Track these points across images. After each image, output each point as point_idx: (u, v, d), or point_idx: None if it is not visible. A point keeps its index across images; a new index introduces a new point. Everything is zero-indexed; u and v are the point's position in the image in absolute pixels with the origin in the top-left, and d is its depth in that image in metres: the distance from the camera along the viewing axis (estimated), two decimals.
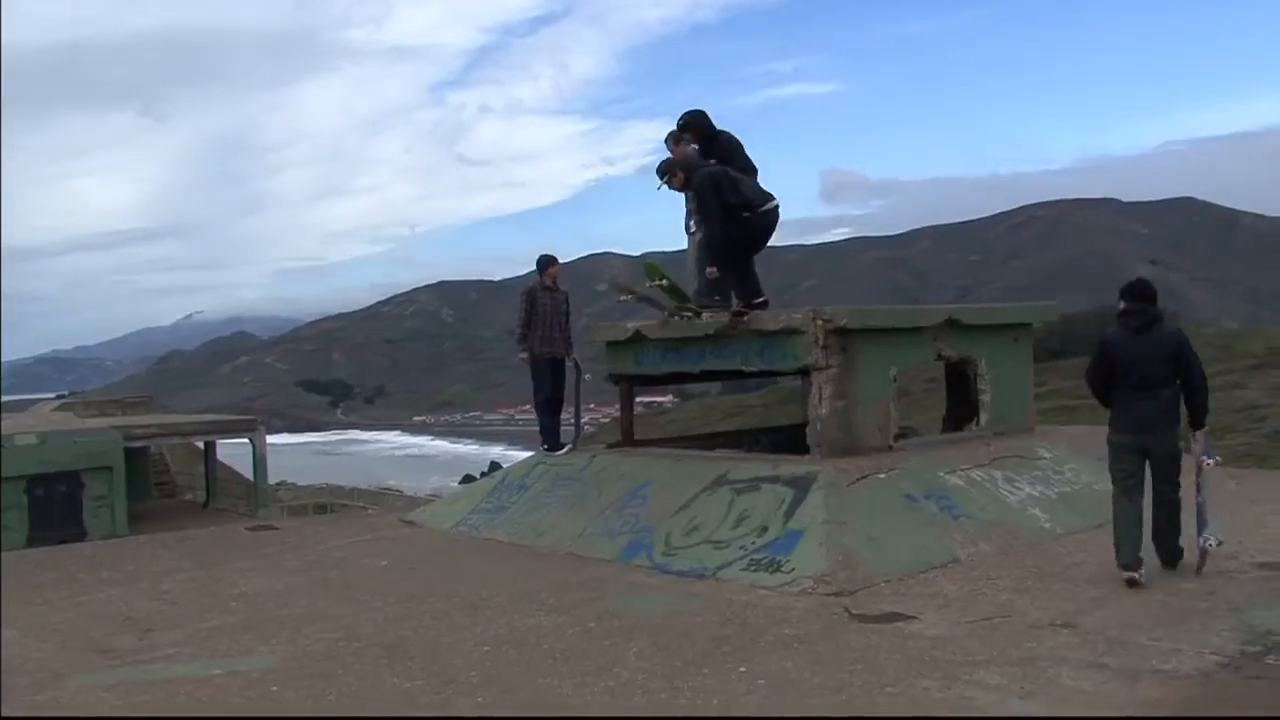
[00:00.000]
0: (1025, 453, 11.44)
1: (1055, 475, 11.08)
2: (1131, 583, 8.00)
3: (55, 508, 27.48)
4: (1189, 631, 6.76)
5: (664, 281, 13.01)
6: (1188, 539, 8.42)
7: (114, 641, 7.86)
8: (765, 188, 11.88)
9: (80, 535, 25.66)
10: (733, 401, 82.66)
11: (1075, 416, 34.62)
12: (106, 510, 28.30)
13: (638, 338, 12.47)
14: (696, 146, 11.91)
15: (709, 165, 11.08)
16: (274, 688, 6.53)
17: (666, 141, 12.45)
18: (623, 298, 13.34)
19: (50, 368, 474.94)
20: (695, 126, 11.87)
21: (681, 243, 12.83)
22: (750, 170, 11.83)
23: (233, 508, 36.32)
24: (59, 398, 63.93)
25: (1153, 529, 8.40)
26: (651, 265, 13.89)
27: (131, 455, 31.06)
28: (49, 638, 8.10)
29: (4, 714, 4.94)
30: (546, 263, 13.14)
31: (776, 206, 11.24)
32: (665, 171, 10.98)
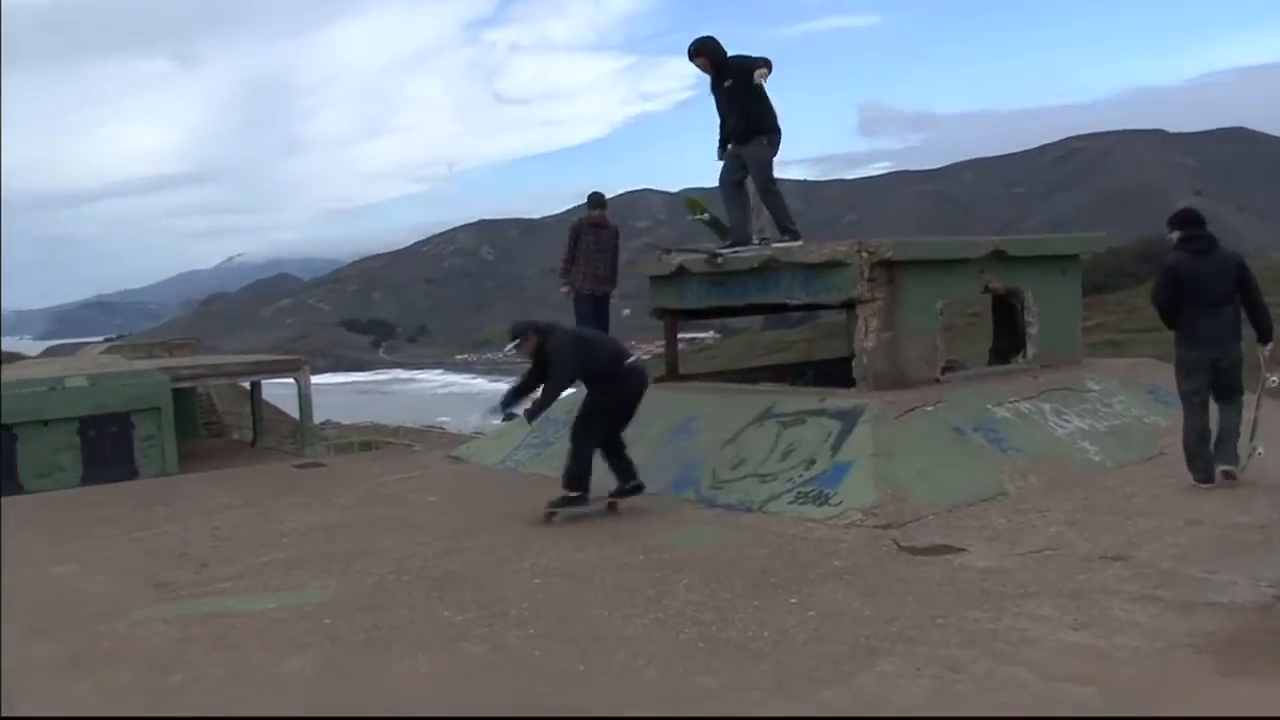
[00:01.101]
0: (1073, 385, 11.33)
1: (1104, 408, 10.98)
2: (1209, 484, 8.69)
3: (107, 448, 27.85)
4: (1245, 564, 6.69)
5: (705, 215, 12.95)
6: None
7: (170, 576, 7.98)
8: (779, 121, 11.69)
9: (132, 474, 26.02)
10: (775, 336, 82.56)
11: (1120, 350, 34.39)
12: (157, 450, 28.66)
13: (681, 272, 12.39)
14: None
15: (565, 331, 9.88)
16: (327, 620, 6.61)
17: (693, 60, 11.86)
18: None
19: (96, 312, 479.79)
20: (706, 53, 11.63)
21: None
22: (761, 95, 11.55)
23: (279, 446, 36.67)
24: (106, 341, 64.68)
25: (1216, 435, 8.80)
26: (693, 200, 13.83)
27: (179, 396, 31.39)
28: (108, 572, 8.24)
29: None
30: (595, 201, 13.09)
31: (641, 367, 9.89)
32: (516, 335, 9.69)
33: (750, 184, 12.14)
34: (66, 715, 4.99)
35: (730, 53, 11.76)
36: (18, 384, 28.50)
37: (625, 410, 9.45)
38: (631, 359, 9.63)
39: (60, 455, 27.39)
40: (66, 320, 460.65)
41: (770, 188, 11.87)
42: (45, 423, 27.31)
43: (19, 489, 24.08)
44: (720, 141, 12.09)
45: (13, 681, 5.79)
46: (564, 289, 13.15)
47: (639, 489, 9.40)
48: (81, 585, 7.90)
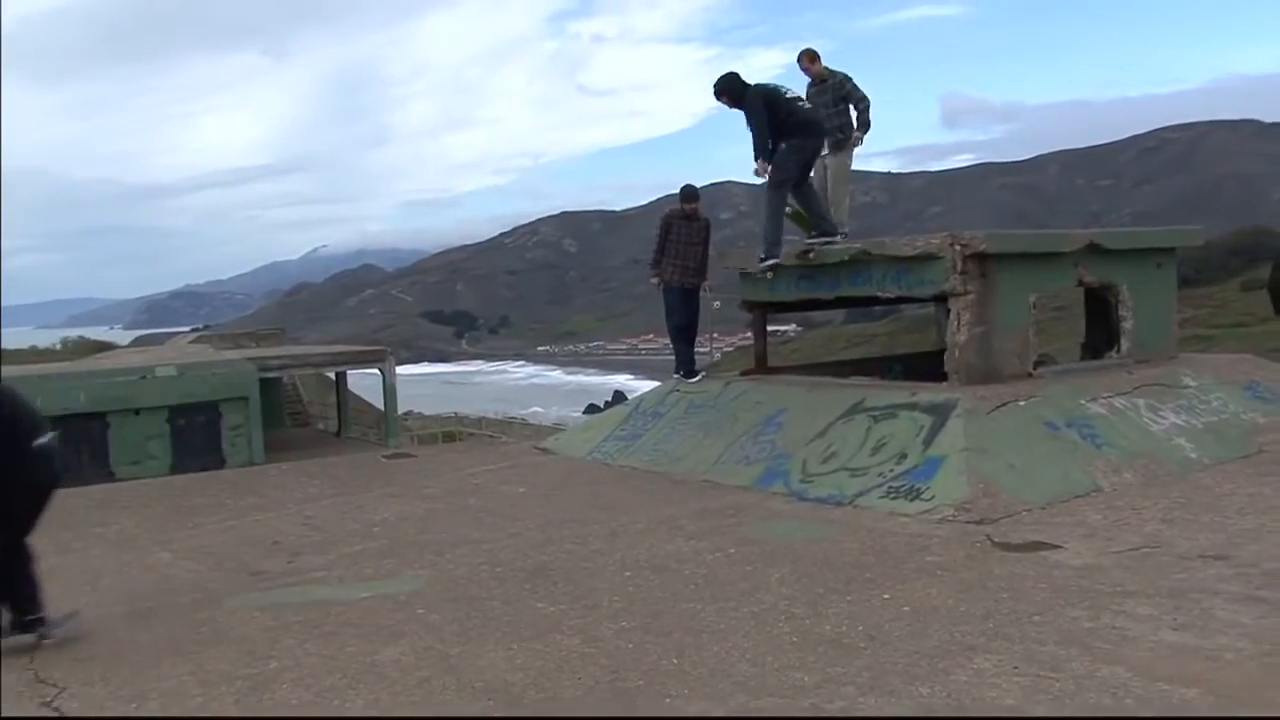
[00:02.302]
0: (1169, 381, 11.15)
1: (1201, 404, 10.79)
2: None
3: (196, 437, 28.33)
4: None
5: (788, 209, 12.94)
6: None
7: (264, 564, 8.09)
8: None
9: (220, 463, 26.47)
10: (857, 330, 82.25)
11: (1210, 346, 33.88)
12: (244, 439, 29.11)
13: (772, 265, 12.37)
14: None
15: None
16: (420, 610, 6.66)
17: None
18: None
19: (185, 302, 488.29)
20: (727, 91, 12.11)
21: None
22: (781, 116, 11.88)
23: (364, 436, 37.08)
24: (194, 331, 65.79)
25: None
26: None
27: (266, 386, 31.84)
28: (203, 560, 8.36)
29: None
30: (687, 194, 13.13)
31: (53, 450, 6.58)
32: None
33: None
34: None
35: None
36: (110, 373, 29.06)
37: (28, 508, 6.51)
38: (45, 438, 6.54)
39: (151, 443, 27.91)
40: (156, 310, 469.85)
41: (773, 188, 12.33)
42: (136, 411, 27.82)
43: (110, 476, 24.55)
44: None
45: (115, 665, 5.91)
46: (653, 280, 13.20)
47: (37, 625, 6.42)
48: (178, 572, 8.04)
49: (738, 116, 11.95)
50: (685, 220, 12.99)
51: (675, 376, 13.17)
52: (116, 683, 5.63)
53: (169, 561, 8.40)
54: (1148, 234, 13.13)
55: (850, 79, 13.06)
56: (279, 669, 5.71)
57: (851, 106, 13.03)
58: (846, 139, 13.09)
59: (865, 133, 13.15)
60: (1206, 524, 7.68)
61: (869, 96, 13.06)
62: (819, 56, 13.19)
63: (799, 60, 13.26)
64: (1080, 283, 11.68)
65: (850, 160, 13.47)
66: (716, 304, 13.29)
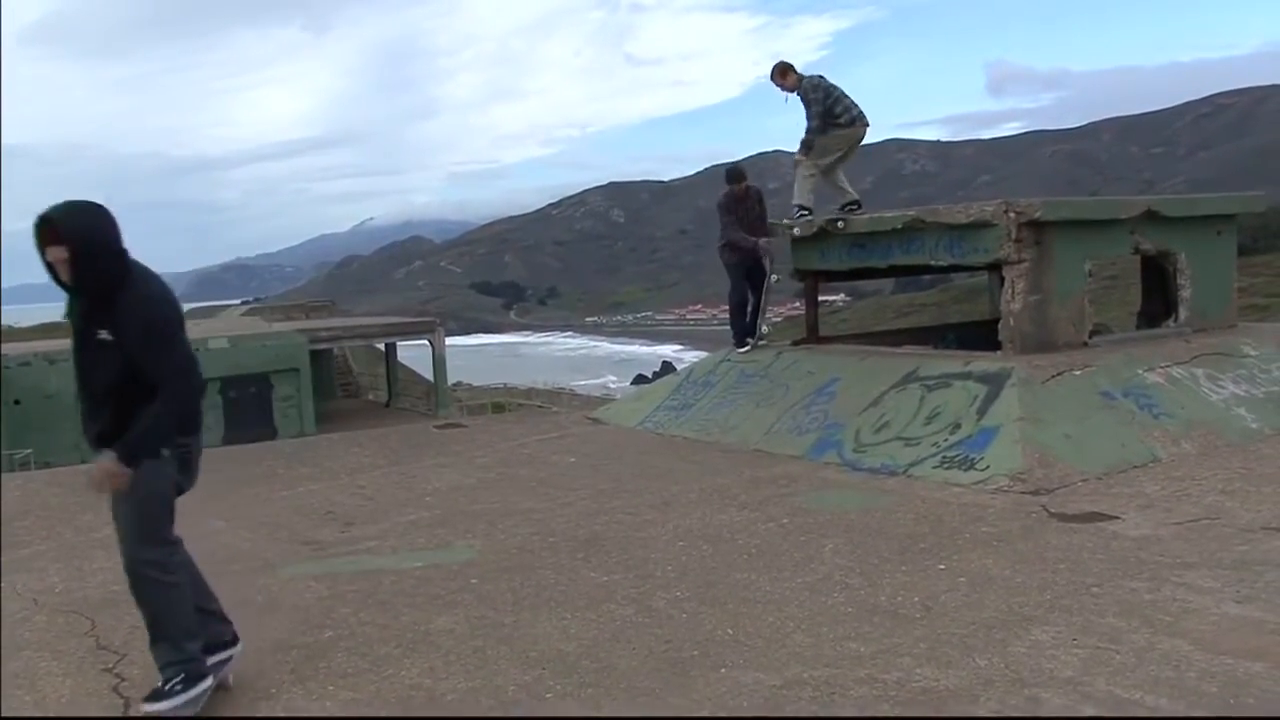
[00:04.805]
0: (1228, 350, 10.98)
1: (1262, 374, 10.61)
2: None
3: (248, 408, 28.60)
4: None
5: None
6: None
7: (318, 534, 8.11)
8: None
9: (271, 434, 26.70)
10: (905, 299, 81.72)
11: (1267, 315, 33.40)
12: (295, 410, 29.37)
13: (823, 233, 12.28)
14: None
15: None
16: (474, 580, 6.65)
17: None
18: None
19: (235, 274, 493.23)
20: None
21: None
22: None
23: (413, 407, 37.26)
24: (245, 303, 66.33)
25: None
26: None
27: (317, 357, 32.06)
28: (257, 530, 8.40)
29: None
30: (736, 176, 12.92)
31: None
32: None
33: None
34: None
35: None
36: None
37: None
38: None
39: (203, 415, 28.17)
40: (207, 283, 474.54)
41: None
42: None
43: None
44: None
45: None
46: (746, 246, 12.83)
47: None
48: (232, 541, 8.07)
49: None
50: (739, 202, 12.79)
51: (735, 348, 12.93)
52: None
53: (223, 530, 8.44)
54: (1207, 200, 12.89)
55: (808, 81, 12.56)
56: (334, 638, 5.72)
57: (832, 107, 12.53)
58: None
59: (815, 137, 12.61)
60: (1268, 495, 7.56)
61: (834, 91, 12.49)
62: (791, 68, 12.66)
63: (771, 78, 12.74)
64: (1137, 250, 11.51)
65: (832, 145, 12.86)
66: (775, 278, 13.03)
